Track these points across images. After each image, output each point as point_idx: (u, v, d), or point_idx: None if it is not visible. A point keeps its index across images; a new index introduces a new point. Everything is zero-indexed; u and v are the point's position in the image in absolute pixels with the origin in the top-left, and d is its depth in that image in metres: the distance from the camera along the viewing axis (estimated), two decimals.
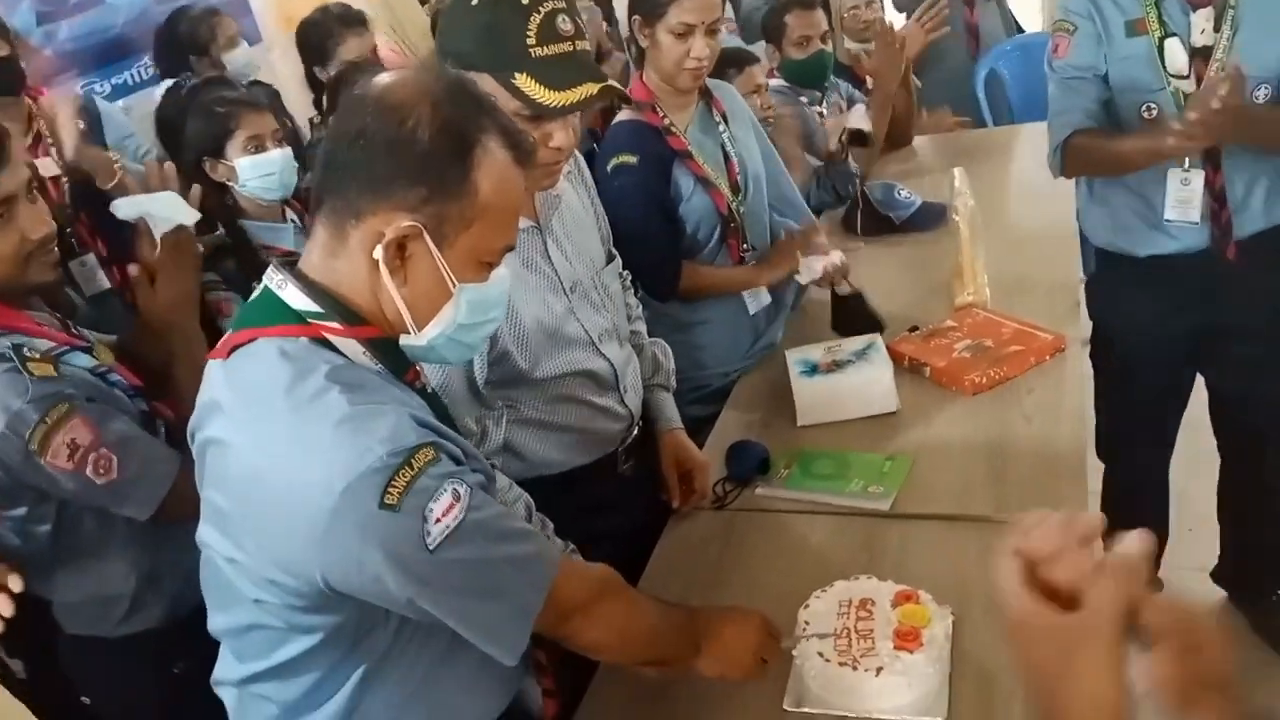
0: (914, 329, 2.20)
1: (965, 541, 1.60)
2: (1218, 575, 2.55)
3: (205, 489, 1.12)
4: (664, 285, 2.17)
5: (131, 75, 3.26)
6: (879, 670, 1.29)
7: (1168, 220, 2.07)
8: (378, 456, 0.99)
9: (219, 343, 1.14)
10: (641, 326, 1.93)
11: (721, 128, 2.21)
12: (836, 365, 2.04)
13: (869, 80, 3.22)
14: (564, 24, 1.41)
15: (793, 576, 1.58)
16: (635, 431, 1.77)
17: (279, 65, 3.72)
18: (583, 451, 1.68)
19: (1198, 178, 2.02)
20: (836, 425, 1.97)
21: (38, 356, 1.43)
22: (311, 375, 1.04)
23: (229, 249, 2.18)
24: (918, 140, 3.48)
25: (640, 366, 1.84)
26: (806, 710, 1.33)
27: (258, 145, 2.16)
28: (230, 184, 2.19)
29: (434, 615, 1.07)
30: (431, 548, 1.01)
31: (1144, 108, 2.03)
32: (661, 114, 2.13)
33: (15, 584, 1.29)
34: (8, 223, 1.43)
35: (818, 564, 1.61)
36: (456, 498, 1.02)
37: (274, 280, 1.12)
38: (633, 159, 2.08)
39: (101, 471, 1.43)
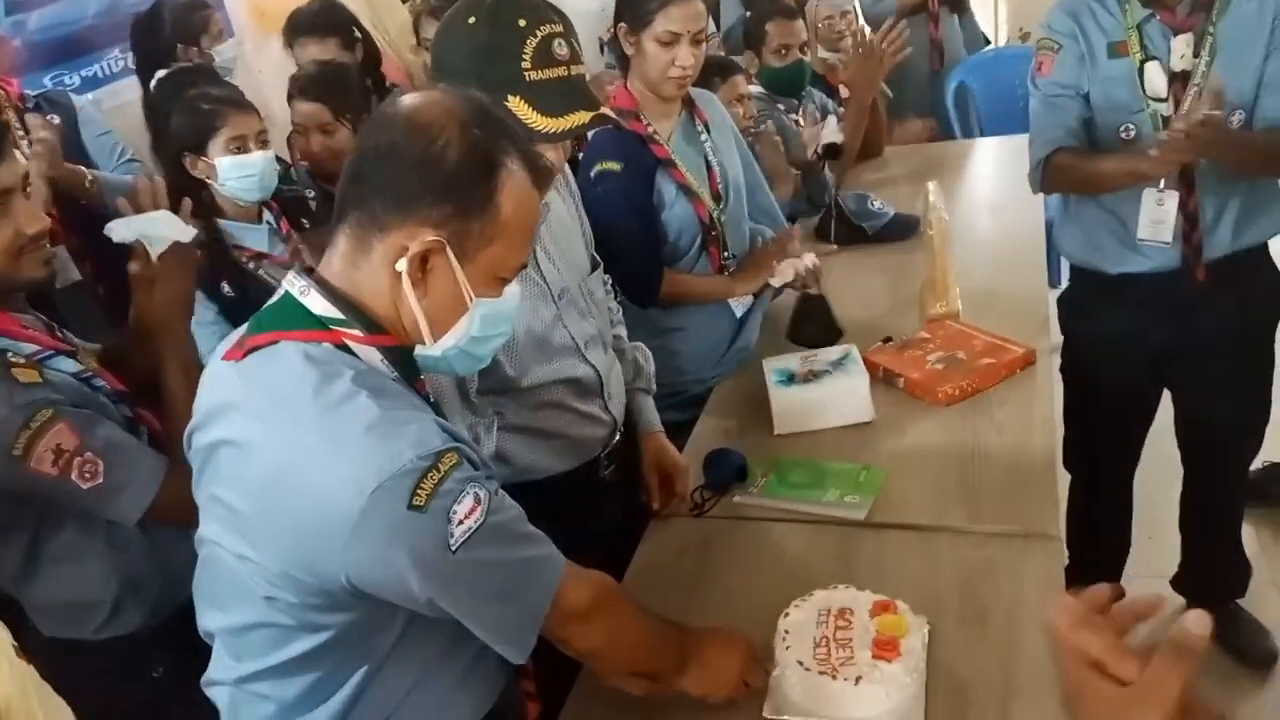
0: (888, 340, 2.24)
1: (939, 551, 1.63)
2: (1177, 583, 2.61)
3: (213, 489, 1.13)
4: (645, 291, 2.19)
5: (102, 68, 3.22)
6: (858, 679, 1.32)
7: (1140, 240, 2.12)
8: (408, 459, 1.02)
9: (232, 344, 1.15)
10: (623, 330, 1.95)
11: (704, 137, 2.24)
12: (813, 375, 2.06)
13: (843, 90, 3.26)
14: (560, 48, 1.42)
15: (770, 584, 1.60)
16: (617, 437, 1.79)
17: (252, 59, 3.69)
18: (567, 457, 1.70)
19: (1172, 199, 2.07)
20: (812, 434, 2.00)
21: (22, 362, 1.42)
22: (338, 379, 1.06)
23: (200, 247, 2.17)
24: (889, 151, 3.52)
25: (621, 370, 1.85)
26: (786, 718, 1.35)
27: (240, 146, 2.15)
28: (209, 182, 2.18)
29: (450, 614, 1.10)
30: (454, 548, 1.04)
31: (1122, 128, 2.08)
32: (645, 122, 2.15)
33: None
34: (3, 217, 1.42)
35: (795, 572, 1.63)
36: (478, 500, 1.06)
37: (296, 286, 1.14)
38: (616, 166, 2.10)
39: (88, 476, 1.42)
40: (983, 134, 3.99)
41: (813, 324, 2.32)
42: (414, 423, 1.06)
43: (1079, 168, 2.13)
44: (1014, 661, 1.39)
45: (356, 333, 1.11)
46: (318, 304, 1.12)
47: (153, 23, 3.04)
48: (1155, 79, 2.04)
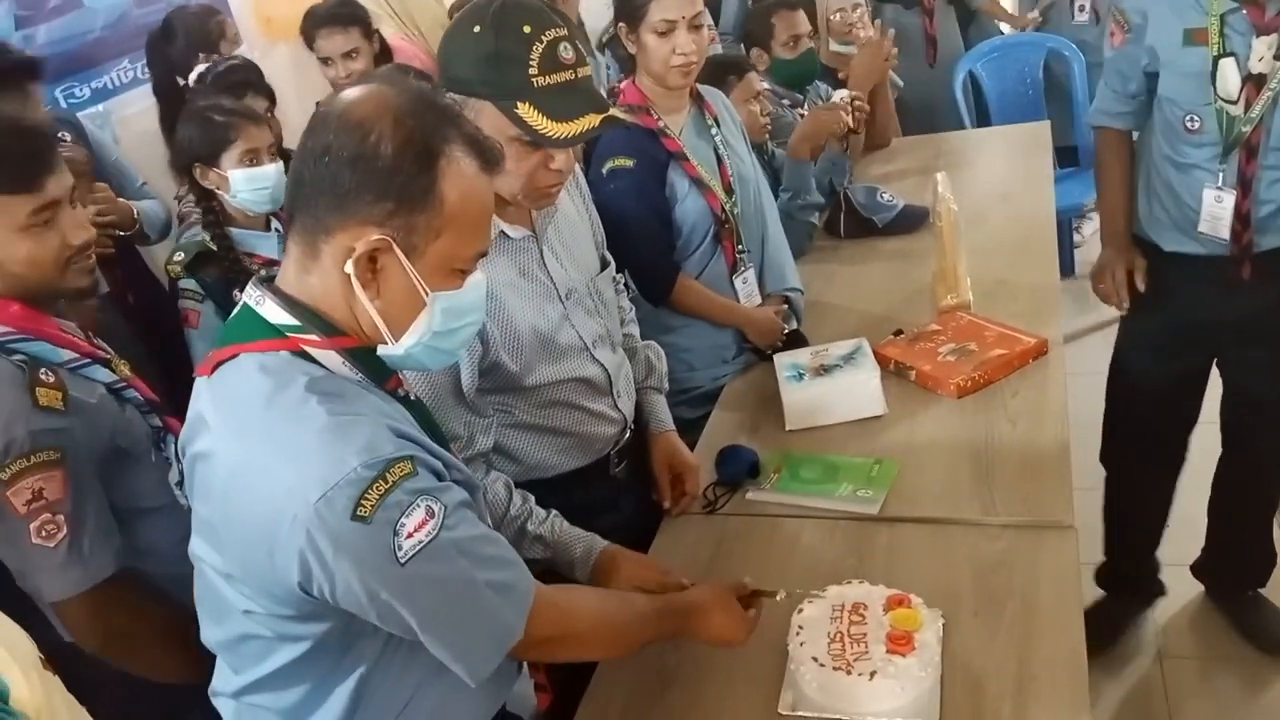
0: (899, 332, 2.23)
1: (953, 544, 1.63)
2: (1198, 569, 2.60)
3: (195, 502, 1.14)
4: (659, 289, 2.20)
5: (111, 79, 3.22)
6: (873, 674, 1.32)
7: (1200, 233, 2.10)
8: (352, 468, 1.00)
9: (204, 360, 1.15)
10: (634, 329, 1.96)
11: (714, 130, 2.24)
12: (824, 370, 2.06)
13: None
14: (565, 52, 1.41)
15: (785, 580, 1.59)
16: (628, 435, 1.79)
17: (260, 65, 3.70)
18: (577, 455, 1.70)
19: (1229, 198, 2.03)
20: (824, 429, 1.99)
21: (50, 380, 1.42)
22: (291, 386, 1.05)
23: (212, 255, 2.19)
24: (897, 142, 3.51)
25: (633, 369, 1.86)
26: (802, 714, 1.36)
27: (253, 158, 2.17)
28: (220, 192, 2.20)
29: (407, 627, 1.08)
30: (402, 561, 1.02)
31: (1188, 118, 2.04)
32: (656, 116, 2.15)
33: None
34: (50, 228, 1.43)
35: (809, 568, 1.64)
36: (430, 514, 1.04)
37: (252, 297, 1.13)
38: (629, 162, 2.10)
39: (43, 535, 1.38)
40: (992, 123, 3.98)
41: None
42: (364, 430, 1.03)
43: (1101, 164, 2.29)
44: (1029, 653, 1.39)
45: (314, 337, 1.09)
46: (273, 313, 1.10)
47: (167, 37, 3.04)
48: (1229, 77, 1.96)
